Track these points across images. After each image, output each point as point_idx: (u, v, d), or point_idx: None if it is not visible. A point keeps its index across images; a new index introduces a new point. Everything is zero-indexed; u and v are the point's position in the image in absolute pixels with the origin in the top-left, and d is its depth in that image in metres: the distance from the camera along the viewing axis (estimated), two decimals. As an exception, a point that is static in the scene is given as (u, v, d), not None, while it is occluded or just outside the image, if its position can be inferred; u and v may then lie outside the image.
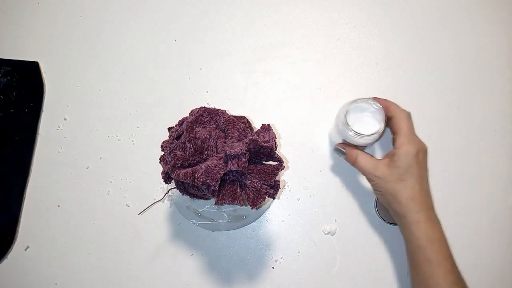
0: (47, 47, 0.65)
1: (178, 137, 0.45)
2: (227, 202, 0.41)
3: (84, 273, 0.57)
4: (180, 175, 0.42)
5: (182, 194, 0.47)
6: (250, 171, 0.43)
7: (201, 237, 0.58)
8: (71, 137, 0.62)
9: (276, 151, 0.44)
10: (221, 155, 0.42)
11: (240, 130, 0.45)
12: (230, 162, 0.41)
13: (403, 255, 0.57)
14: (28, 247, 0.58)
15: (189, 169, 0.42)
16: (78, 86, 0.64)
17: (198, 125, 0.45)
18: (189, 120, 0.45)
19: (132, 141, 0.61)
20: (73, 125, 0.62)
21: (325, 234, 0.57)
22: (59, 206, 0.59)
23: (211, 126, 0.45)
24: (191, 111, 0.46)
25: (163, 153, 0.46)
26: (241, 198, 0.42)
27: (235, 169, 0.41)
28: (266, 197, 0.43)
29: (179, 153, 0.43)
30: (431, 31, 0.64)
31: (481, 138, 0.60)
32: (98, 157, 0.61)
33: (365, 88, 0.62)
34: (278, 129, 0.61)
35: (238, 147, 0.41)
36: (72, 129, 0.62)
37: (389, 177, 0.50)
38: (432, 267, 0.47)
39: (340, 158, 0.59)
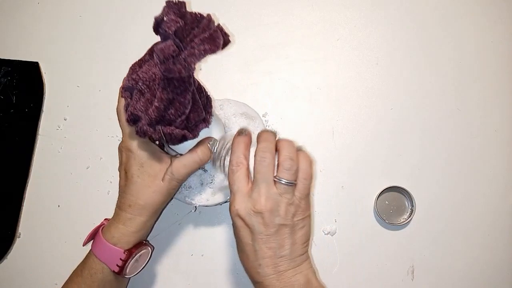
0: (47, 47, 0.65)
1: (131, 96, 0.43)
2: (202, 53, 0.38)
3: (84, 273, 0.57)
4: (157, 102, 0.40)
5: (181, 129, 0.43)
6: (191, 38, 0.39)
7: (201, 237, 0.58)
8: (71, 137, 0.62)
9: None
10: (154, 58, 0.39)
11: (147, 52, 0.44)
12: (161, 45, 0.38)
13: (403, 255, 0.57)
14: (28, 247, 0.58)
15: (157, 95, 0.40)
16: (78, 86, 0.64)
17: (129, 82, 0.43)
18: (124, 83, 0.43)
19: (132, 141, 0.61)
20: (73, 125, 0.62)
21: (325, 234, 0.57)
22: (59, 206, 0.59)
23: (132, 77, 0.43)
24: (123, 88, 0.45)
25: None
26: (203, 46, 0.39)
27: (172, 29, 0.37)
28: (221, 38, 0.40)
29: (140, 105, 0.41)
30: (431, 31, 0.64)
31: (481, 138, 0.60)
32: (98, 157, 0.61)
33: (365, 88, 0.62)
34: (278, 129, 0.61)
35: (163, 45, 0.38)
36: (72, 129, 0.62)
37: None
38: None
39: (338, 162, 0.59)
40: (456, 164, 0.59)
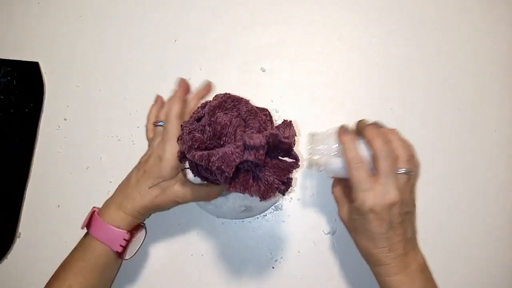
0: (47, 47, 0.65)
1: (199, 119, 0.45)
2: (238, 190, 0.42)
3: (84, 273, 0.57)
4: (196, 156, 0.42)
5: (194, 176, 0.46)
6: (265, 164, 0.42)
7: (200, 237, 0.58)
8: (71, 137, 0.62)
9: (294, 149, 0.43)
10: (239, 143, 0.42)
11: (261, 122, 0.44)
12: (247, 152, 0.41)
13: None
14: (28, 247, 0.58)
15: (205, 152, 0.42)
16: (78, 86, 0.64)
17: (220, 111, 0.44)
18: (212, 104, 0.44)
19: (132, 141, 0.61)
20: (73, 125, 0.62)
21: (325, 234, 0.57)
22: (59, 206, 0.59)
23: (232, 114, 0.45)
24: (215, 96, 0.46)
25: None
26: (252, 189, 0.42)
27: (251, 159, 0.41)
28: (277, 192, 0.43)
29: (197, 135, 0.43)
30: (431, 31, 0.64)
31: (481, 138, 0.60)
32: (98, 157, 0.61)
33: (365, 88, 0.62)
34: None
35: (257, 139, 0.41)
36: (72, 129, 0.62)
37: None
38: None
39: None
40: (456, 164, 0.59)
